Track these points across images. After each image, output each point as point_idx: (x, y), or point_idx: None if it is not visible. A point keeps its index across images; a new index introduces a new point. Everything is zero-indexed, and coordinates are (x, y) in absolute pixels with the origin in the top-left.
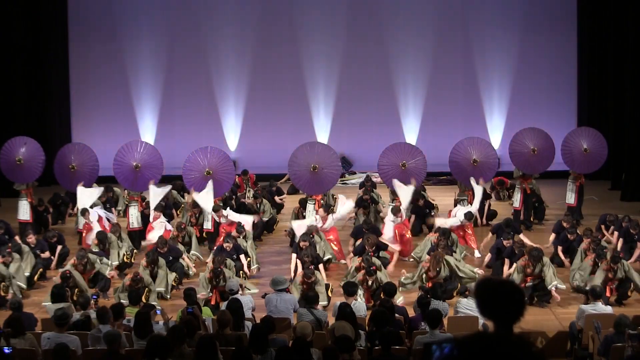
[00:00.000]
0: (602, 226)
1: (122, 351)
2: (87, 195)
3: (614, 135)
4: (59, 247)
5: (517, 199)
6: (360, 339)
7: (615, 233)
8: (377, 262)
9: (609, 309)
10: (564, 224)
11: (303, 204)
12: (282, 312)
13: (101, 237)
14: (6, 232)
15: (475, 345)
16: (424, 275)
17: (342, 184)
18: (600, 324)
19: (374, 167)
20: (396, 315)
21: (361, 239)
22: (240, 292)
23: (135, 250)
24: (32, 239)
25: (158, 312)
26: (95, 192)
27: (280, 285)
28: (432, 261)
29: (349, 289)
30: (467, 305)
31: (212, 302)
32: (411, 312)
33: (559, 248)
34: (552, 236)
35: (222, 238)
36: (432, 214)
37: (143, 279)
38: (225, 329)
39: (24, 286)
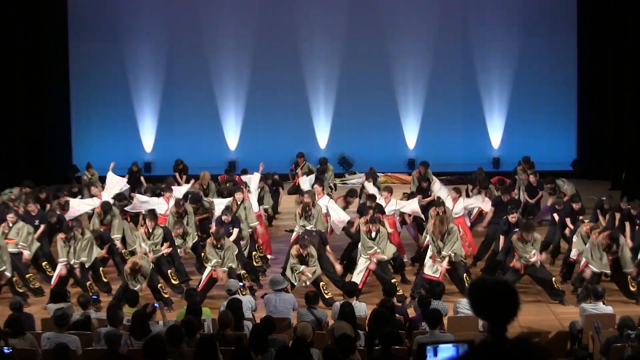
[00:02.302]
0: (599, 211)
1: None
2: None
3: (614, 135)
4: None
5: None
6: (360, 339)
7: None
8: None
9: (609, 309)
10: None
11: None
12: (282, 312)
13: (106, 207)
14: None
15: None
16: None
17: (342, 184)
18: (600, 324)
19: (374, 168)
20: (396, 315)
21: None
22: (239, 292)
23: None
24: (32, 207)
25: (156, 305)
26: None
27: (278, 285)
28: (436, 222)
29: (349, 289)
30: (467, 305)
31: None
32: (411, 312)
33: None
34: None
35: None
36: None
37: (142, 268)
38: (226, 330)
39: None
